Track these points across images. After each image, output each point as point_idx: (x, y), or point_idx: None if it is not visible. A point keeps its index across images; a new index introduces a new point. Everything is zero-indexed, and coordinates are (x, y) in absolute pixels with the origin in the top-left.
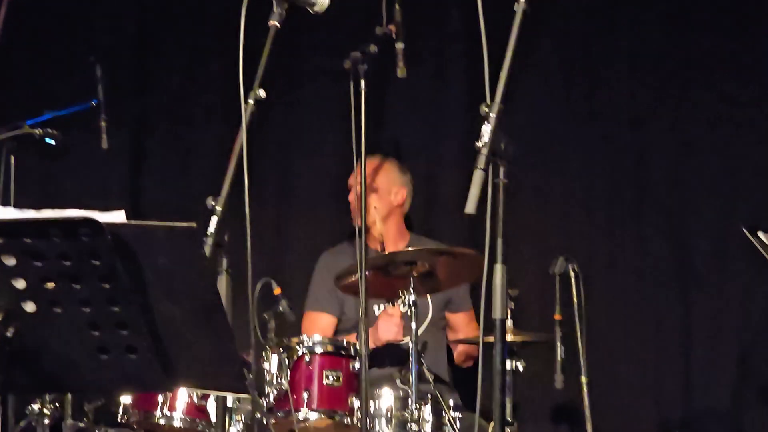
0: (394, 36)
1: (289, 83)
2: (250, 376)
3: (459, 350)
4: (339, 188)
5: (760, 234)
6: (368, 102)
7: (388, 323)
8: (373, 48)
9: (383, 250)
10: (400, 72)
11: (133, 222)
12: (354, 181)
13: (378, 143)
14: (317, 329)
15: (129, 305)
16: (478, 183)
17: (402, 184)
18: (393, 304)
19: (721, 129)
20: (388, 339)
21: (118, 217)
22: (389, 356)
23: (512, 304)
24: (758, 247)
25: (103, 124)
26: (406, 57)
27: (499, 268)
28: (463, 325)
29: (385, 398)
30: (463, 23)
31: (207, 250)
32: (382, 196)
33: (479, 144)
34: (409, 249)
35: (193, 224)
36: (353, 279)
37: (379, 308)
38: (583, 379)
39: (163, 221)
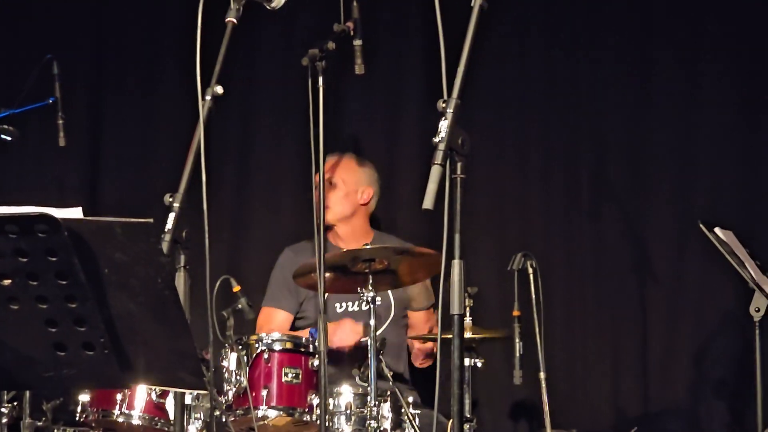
0: (352, 33)
1: (247, 80)
2: (209, 373)
3: (416, 351)
4: (299, 185)
5: (717, 230)
6: (327, 99)
7: (348, 334)
8: (331, 45)
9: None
10: (359, 69)
11: (90, 218)
12: (326, 176)
13: (337, 140)
14: (272, 325)
15: (86, 302)
16: (435, 178)
17: (369, 183)
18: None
19: (677, 126)
20: (341, 345)
21: (75, 213)
22: (349, 353)
23: (471, 301)
24: (715, 243)
25: (60, 121)
26: (364, 54)
27: (456, 264)
28: (421, 323)
29: (345, 395)
30: (420, 19)
31: (164, 246)
32: (349, 195)
33: (436, 140)
34: (367, 247)
35: (150, 220)
36: (312, 276)
37: (340, 306)
38: (542, 375)
39: (120, 218)
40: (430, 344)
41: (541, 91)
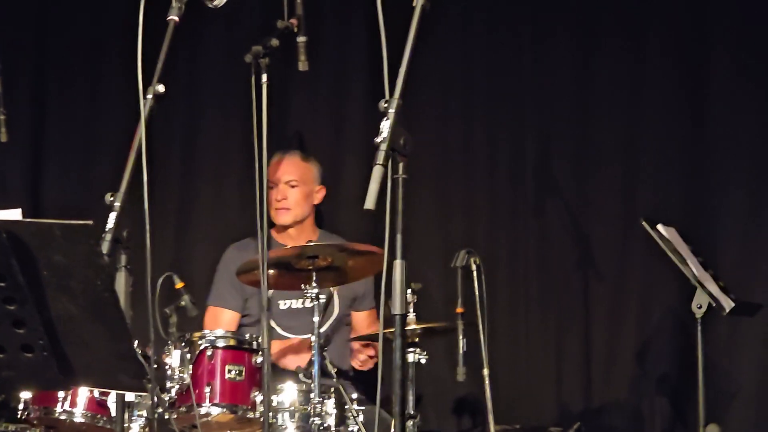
0: (295, 29)
1: (191, 78)
2: (152, 369)
3: (355, 352)
4: (243, 182)
5: (660, 227)
6: (271, 96)
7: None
8: (275, 42)
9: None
10: (302, 66)
11: (28, 220)
12: (281, 177)
13: (282, 138)
14: (219, 325)
15: (24, 304)
16: (377, 179)
17: (320, 182)
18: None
19: (621, 124)
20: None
21: (14, 215)
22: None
23: (415, 297)
24: (657, 240)
25: (1, 117)
26: (308, 51)
27: (398, 264)
28: (364, 323)
29: (288, 392)
30: (364, 17)
31: (105, 246)
32: (308, 196)
33: (378, 140)
34: (311, 244)
35: (90, 222)
36: (256, 273)
37: (284, 303)
38: (485, 371)
39: (60, 219)
40: (372, 350)
41: (484, 87)
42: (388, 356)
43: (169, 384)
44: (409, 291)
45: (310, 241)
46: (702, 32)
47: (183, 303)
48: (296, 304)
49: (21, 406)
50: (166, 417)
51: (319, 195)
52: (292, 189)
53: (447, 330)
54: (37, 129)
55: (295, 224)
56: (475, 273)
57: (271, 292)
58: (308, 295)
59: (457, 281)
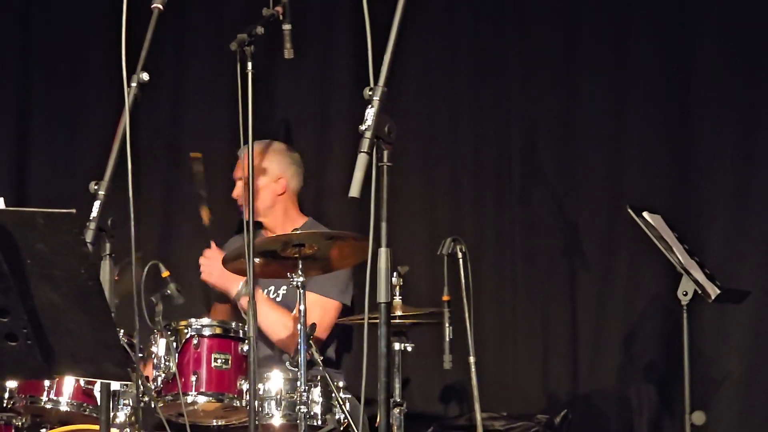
0: (281, 17)
1: (176, 66)
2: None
3: None
4: (229, 170)
5: (645, 215)
6: (257, 84)
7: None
8: (260, 29)
9: None
10: (288, 53)
11: (11, 209)
12: (235, 175)
13: (268, 126)
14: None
15: (8, 293)
16: (361, 166)
17: (282, 172)
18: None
19: (607, 110)
20: (215, 284)
21: None
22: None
23: (401, 280)
24: (643, 227)
25: None
26: (293, 38)
27: (383, 252)
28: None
29: (275, 380)
30: (349, 4)
31: (90, 235)
32: (266, 187)
33: (363, 128)
34: (297, 232)
35: (73, 210)
36: (242, 261)
37: (265, 292)
38: (471, 359)
39: (45, 207)
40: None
41: (470, 74)
42: (372, 345)
43: (155, 372)
44: (395, 274)
45: (296, 228)
46: (688, 18)
47: (169, 291)
48: (274, 292)
49: (6, 395)
50: (152, 406)
51: (279, 185)
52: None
53: (433, 317)
54: (21, 117)
55: (262, 218)
56: (461, 260)
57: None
58: (294, 283)
59: (444, 269)
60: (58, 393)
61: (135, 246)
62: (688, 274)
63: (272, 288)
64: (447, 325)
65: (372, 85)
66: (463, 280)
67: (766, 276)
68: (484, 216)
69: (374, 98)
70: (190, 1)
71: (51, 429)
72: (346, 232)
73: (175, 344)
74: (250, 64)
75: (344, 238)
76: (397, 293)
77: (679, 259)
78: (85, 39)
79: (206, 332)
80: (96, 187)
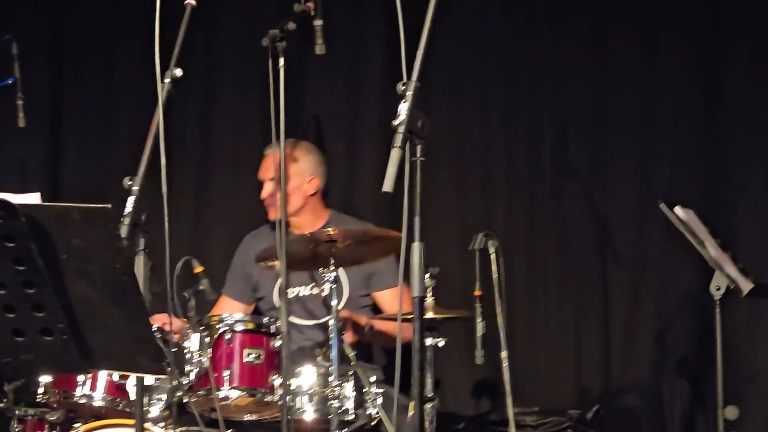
0: (312, 13)
1: (208, 62)
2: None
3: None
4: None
5: (677, 209)
6: (288, 80)
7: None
8: (292, 25)
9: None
10: (319, 49)
11: (47, 204)
12: (264, 175)
13: (299, 121)
14: (225, 312)
15: (44, 287)
16: (395, 161)
17: (313, 172)
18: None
19: (638, 106)
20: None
21: (33, 199)
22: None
23: (433, 281)
24: (675, 221)
25: (19, 102)
26: (324, 34)
27: (416, 246)
28: (387, 302)
29: (307, 376)
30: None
31: (124, 230)
32: (297, 188)
33: (396, 122)
34: (329, 230)
35: (108, 206)
36: (273, 263)
37: (292, 291)
38: (503, 354)
39: (79, 203)
40: (362, 319)
41: (502, 70)
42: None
43: (188, 368)
44: (427, 275)
45: (326, 225)
46: (720, 13)
47: (202, 287)
48: (304, 291)
49: (41, 390)
50: (185, 401)
51: (311, 186)
52: (277, 189)
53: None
54: (55, 114)
55: (292, 217)
56: (493, 256)
57: (280, 280)
58: (326, 278)
59: (475, 264)
60: (92, 388)
61: (168, 241)
62: (721, 268)
63: (300, 289)
64: (479, 320)
65: (404, 80)
66: (495, 275)
67: None
68: (516, 211)
69: (407, 93)
70: None
71: (85, 424)
72: (379, 228)
73: (207, 339)
74: (281, 60)
75: (378, 235)
76: (429, 294)
77: (711, 253)
78: (118, 35)
79: (238, 327)
80: (130, 183)
